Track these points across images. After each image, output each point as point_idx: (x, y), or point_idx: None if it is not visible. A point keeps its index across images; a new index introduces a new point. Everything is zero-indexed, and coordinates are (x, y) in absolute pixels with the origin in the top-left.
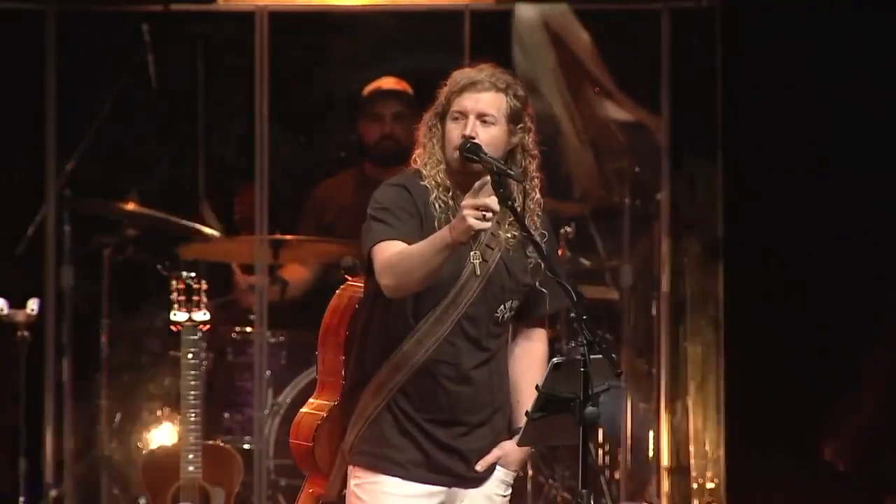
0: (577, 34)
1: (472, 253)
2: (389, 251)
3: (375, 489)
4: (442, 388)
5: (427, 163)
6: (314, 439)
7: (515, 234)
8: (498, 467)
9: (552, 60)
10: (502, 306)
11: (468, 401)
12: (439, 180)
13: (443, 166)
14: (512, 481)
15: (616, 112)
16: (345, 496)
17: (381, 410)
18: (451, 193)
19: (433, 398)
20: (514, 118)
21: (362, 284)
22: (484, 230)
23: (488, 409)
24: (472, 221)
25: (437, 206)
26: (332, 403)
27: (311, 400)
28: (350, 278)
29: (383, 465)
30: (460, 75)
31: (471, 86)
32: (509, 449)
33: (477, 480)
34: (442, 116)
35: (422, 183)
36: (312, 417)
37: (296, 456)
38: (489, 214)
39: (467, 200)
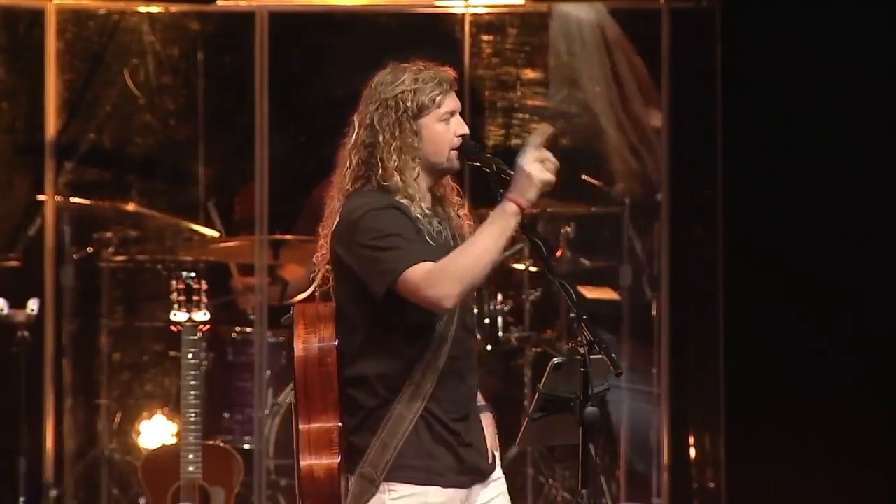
0: (634, 56)
1: (451, 242)
2: (428, 267)
3: (418, 501)
4: (463, 383)
5: (410, 173)
6: (339, 467)
7: (460, 213)
8: (494, 452)
9: (605, 62)
10: None
11: (474, 390)
12: (420, 196)
13: (418, 173)
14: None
15: (657, 120)
16: None
17: (416, 421)
18: (423, 205)
19: (457, 396)
20: None
21: (316, 310)
22: (445, 209)
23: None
24: (544, 175)
25: (419, 216)
26: (333, 430)
27: (304, 431)
28: None
29: (426, 476)
30: (431, 76)
31: (450, 85)
32: (493, 430)
33: (488, 472)
34: (415, 118)
35: (397, 198)
36: (325, 445)
37: (310, 485)
38: (551, 165)
39: (529, 157)
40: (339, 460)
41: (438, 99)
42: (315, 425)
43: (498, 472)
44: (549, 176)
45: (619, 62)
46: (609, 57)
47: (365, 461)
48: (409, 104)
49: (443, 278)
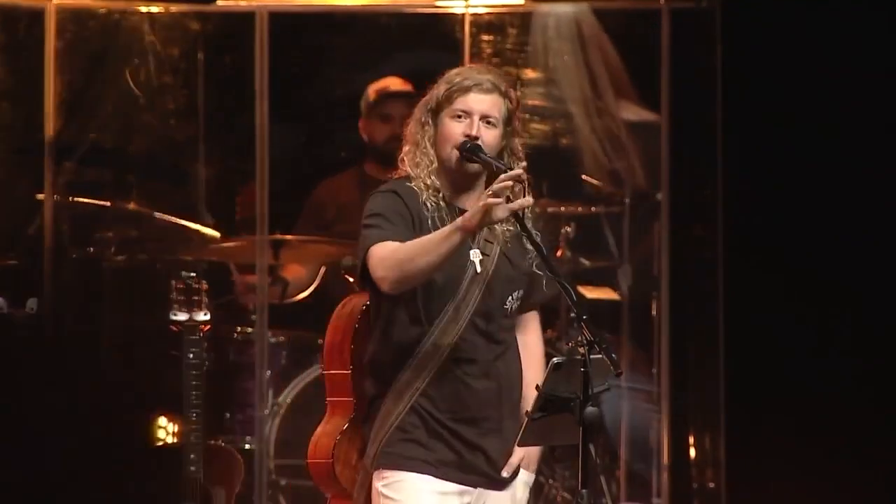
0: (610, 50)
1: (471, 252)
2: (391, 246)
3: (405, 486)
4: (464, 384)
5: (418, 162)
6: (333, 457)
7: (510, 228)
8: (521, 470)
9: (579, 57)
10: (510, 297)
11: (490, 395)
12: (429, 182)
13: (434, 166)
14: (532, 483)
15: (631, 114)
16: None
17: (405, 415)
18: (440, 194)
19: (456, 396)
20: (507, 121)
21: (360, 298)
22: (495, 221)
23: (507, 404)
24: (492, 200)
25: (428, 205)
26: (347, 420)
27: (324, 421)
28: (350, 278)
29: (413, 464)
30: (461, 74)
31: (476, 86)
32: (529, 450)
33: (502, 483)
34: (435, 113)
35: (409, 184)
36: (329, 437)
37: (316, 476)
38: (502, 204)
39: (487, 191)
40: (333, 450)
41: (454, 96)
42: (335, 412)
43: (519, 491)
44: (492, 201)
45: (592, 56)
46: (583, 51)
47: (366, 452)
48: (430, 101)
49: (386, 261)
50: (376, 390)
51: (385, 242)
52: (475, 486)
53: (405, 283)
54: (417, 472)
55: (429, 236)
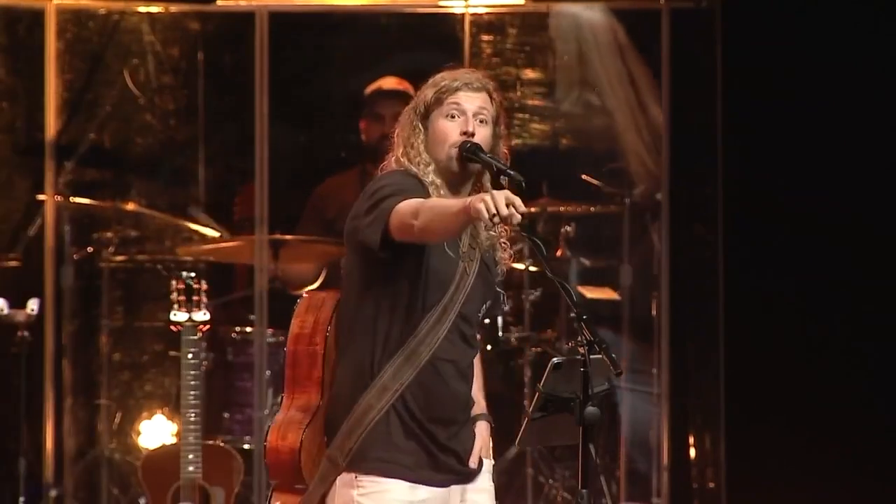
0: (638, 58)
1: (461, 252)
2: (414, 202)
3: (384, 497)
4: (445, 385)
5: (418, 162)
6: (301, 447)
7: (493, 232)
8: (485, 460)
9: (620, 64)
10: (485, 304)
11: (464, 399)
12: (431, 179)
13: (432, 166)
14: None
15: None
16: None
17: (385, 412)
18: (441, 193)
19: (437, 396)
20: (496, 120)
21: (330, 293)
22: (476, 224)
23: (469, 409)
24: (481, 206)
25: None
26: (311, 413)
27: (285, 406)
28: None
29: (391, 469)
30: (450, 76)
31: (466, 85)
32: (483, 437)
33: (472, 476)
34: (424, 117)
35: (412, 174)
36: (297, 425)
37: (276, 464)
38: (497, 220)
39: (503, 193)
40: (301, 439)
41: (444, 97)
42: (296, 402)
43: (486, 481)
44: (485, 218)
45: (632, 64)
46: (623, 59)
47: (333, 444)
48: (419, 103)
49: (416, 212)
50: (355, 384)
51: (409, 200)
52: (450, 485)
53: (427, 236)
54: (392, 477)
55: (446, 204)
